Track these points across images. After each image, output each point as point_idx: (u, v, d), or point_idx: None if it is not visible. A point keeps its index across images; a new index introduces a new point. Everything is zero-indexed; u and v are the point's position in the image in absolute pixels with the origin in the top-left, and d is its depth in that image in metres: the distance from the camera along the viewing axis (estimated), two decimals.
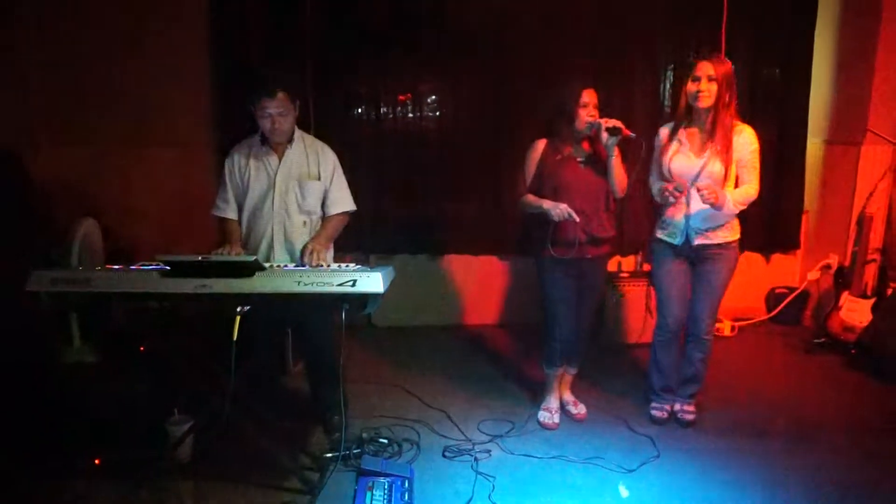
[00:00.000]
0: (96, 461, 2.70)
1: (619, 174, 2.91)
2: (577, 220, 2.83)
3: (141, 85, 4.25)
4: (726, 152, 2.85)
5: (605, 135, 2.83)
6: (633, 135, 2.82)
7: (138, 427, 2.83)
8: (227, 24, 4.21)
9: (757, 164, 2.90)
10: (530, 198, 2.98)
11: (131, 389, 3.30)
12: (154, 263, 2.40)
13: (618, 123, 2.81)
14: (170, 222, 4.32)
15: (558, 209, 2.83)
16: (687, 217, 2.94)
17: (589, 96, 2.89)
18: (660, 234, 3.05)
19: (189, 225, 3.92)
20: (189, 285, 2.22)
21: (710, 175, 2.86)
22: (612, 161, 2.87)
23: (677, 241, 2.99)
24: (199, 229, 3.59)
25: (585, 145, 2.99)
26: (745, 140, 2.88)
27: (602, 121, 2.83)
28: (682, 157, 2.92)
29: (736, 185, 2.93)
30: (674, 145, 2.95)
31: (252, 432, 2.93)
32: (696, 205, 2.88)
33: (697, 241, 2.95)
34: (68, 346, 3.79)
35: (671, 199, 2.88)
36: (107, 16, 4.19)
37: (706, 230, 2.94)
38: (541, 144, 3.02)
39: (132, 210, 4.32)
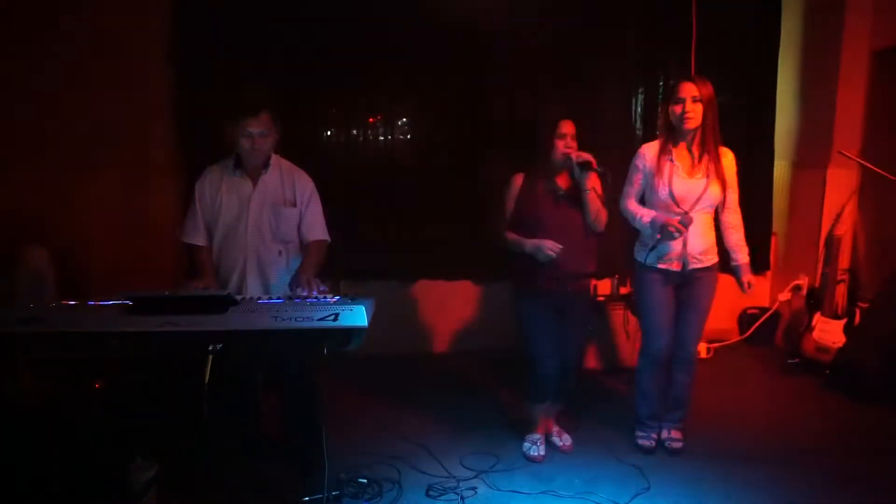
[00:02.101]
0: None
1: (594, 209, 2.83)
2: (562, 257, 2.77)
3: (93, 104, 3.99)
4: (720, 174, 2.84)
5: (576, 169, 2.76)
6: (600, 170, 2.76)
7: (94, 475, 2.61)
8: (190, 43, 4.04)
9: (736, 188, 2.93)
10: (511, 236, 2.91)
11: (86, 432, 3.04)
12: (115, 298, 2.21)
13: (588, 157, 2.75)
14: (125, 251, 4.03)
15: (544, 251, 2.75)
16: (685, 243, 2.88)
17: (566, 127, 2.82)
18: (652, 261, 2.95)
19: (146, 254, 3.69)
20: (155, 323, 2.04)
21: (711, 197, 2.84)
22: (586, 196, 2.79)
23: (677, 267, 2.92)
24: (158, 258, 3.38)
25: (564, 179, 2.91)
26: (729, 163, 2.90)
27: (573, 154, 2.76)
28: (682, 180, 2.85)
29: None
30: (667, 167, 2.87)
31: (223, 478, 2.72)
32: (695, 230, 2.84)
33: (692, 266, 2.91)
34: (13, 383, 3.49)
35: (676, 235, 2.78)
36: (54, 32, 3.94)
37: (699, 254, 2.91)
38: (518, 179, 2.95)
39: (83, 238, 4.03)
